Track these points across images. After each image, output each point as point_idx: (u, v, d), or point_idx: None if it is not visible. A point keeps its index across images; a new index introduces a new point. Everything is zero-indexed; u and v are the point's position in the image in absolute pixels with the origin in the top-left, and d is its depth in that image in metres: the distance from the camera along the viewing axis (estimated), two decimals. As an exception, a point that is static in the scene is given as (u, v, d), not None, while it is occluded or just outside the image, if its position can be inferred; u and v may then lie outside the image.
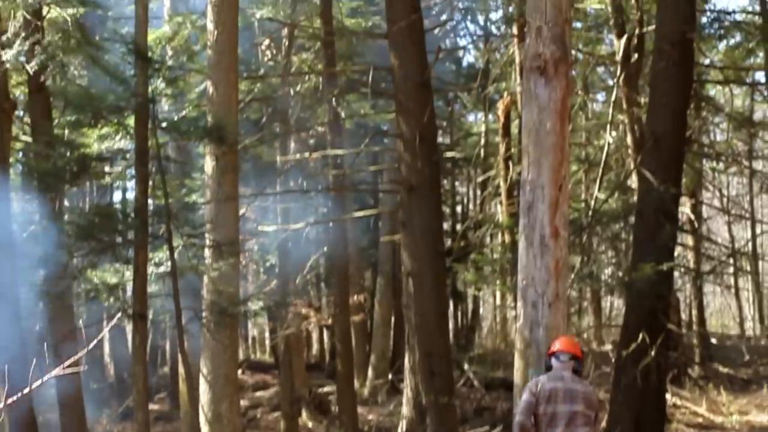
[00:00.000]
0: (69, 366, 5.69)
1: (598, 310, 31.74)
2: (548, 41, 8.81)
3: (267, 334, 38.40)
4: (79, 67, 17.47)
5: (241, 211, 18.24)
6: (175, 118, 16.47)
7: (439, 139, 25.95)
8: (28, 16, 15.89)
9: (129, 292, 15.04)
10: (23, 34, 15.58)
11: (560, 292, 9.50)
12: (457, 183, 38.55)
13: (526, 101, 9.42)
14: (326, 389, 27.82)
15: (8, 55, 15.40)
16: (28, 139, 20.16)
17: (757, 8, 22.67)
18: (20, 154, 22.99)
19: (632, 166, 21.72)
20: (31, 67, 15.58)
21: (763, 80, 23.60)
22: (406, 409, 22.04)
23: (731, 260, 24.26)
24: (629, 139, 23.12)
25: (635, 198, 19.87)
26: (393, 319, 30.62)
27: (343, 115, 22.31)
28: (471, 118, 38.87)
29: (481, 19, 32.73)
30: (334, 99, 20.71)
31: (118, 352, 33.50)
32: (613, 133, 23.98)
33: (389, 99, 20.62)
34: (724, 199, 30.96)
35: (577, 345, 9.37)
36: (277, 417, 24.83)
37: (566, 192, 9.45)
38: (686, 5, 17.67)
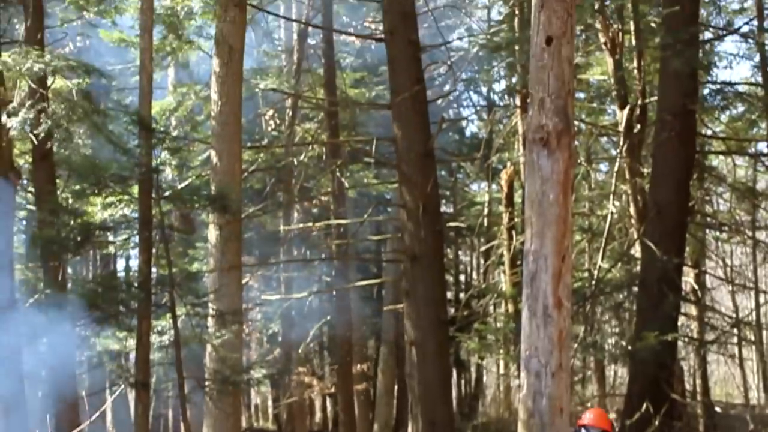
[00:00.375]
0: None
1: (602, 380, 31.55)
2: (551, 113, 8.86)
3: (270, 403, 38.23)
4: (84, 136, 17.56)
5: (245, 280, 18.25)
6: (179, 187, 16.51)
7: (443, 209, 26.01)
8: (34, 86, 16.01)
9: (131, 361, 15.00)
10: (28, 103, 15.69)
11: (563, 362, 9.47)
12: (460, 252, 38.54)
13: (529, 172, 9.46)
14: (329, 459, 27.66)
15: (13, 123, 15.50)
16: (33, 207, 20.23)
17: (759, 79, 22.80)
18: (24, 222, 23.05)
19: (635, 236, 21.73)
20: (36, 135, 15.67)
21: (765, 151, 23.68)
22: (409, 479, 21.90)
23: (735, 330, 24.18)
24: (632, 209, 23.14)
25: (638, 268, 19.88)
26: (396, 388, 30.47)
27: (346, 184, 22.39)
28: (474, 187, 38.92)
29: (484, 89, 32.93)
30: (337, 169, 20.79)
31: (121, 420, 33.33)
32: (616, 203, 24.02)
33: (392, 169, 20.69)
34: (728, 269, 30.88)
35: (608, 420, 9.30)
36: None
37: (569, 262, 9.46)
38: (688, 78, 17.81)
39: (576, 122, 18.28)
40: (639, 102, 22.45)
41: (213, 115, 16.05)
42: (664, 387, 16.94)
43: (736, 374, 37.38)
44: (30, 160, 18.85)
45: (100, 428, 33.12)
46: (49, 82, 16.53)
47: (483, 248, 33.98)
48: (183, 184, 17.06)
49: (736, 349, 30.72)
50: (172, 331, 14.09)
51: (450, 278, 34.28)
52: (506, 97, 31.05)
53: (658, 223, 17.59)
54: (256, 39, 25.61)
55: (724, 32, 23.16)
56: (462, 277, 38.52)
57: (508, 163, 28.56)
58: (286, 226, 22.07)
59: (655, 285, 17.04)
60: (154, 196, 14.06)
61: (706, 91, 22.21)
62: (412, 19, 18.54)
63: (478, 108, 34.83)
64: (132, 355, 14.67)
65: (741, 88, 23.30)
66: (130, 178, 14.26)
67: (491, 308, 31.58)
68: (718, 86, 22.35)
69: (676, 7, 18.42)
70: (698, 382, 28.60)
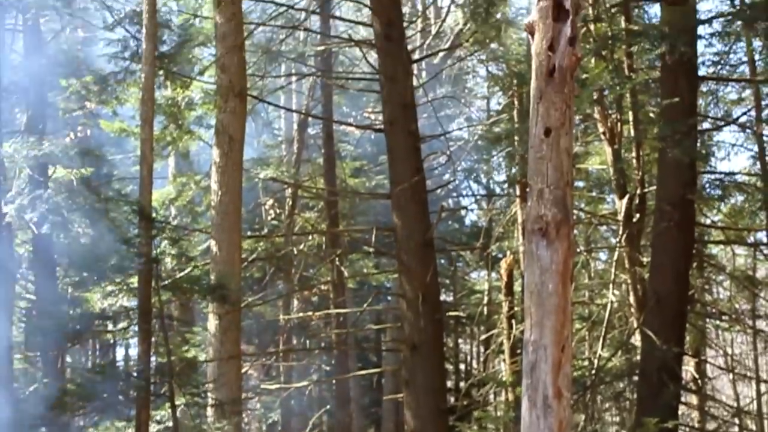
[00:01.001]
0: None
1: (603, 470, 31.31)
2: (550, 204, 8.90)
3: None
4: (84, 225, 17.64)
5: (244, 369, 18.19)
6: (179, 276, 16.53)
7: (442, 297, 26.00)
8: (34, 174, 16.12)
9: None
10: (27, 190, 15.81)
11: (564, 453, 9.41)
12: (460, 340, 38.43)
13: (528, 262, 9.48)
14: None
15: (11, 209, 15.59)
16: (32, 296, 20.22)
17: (758, 170, 22.93)
18: (24, 312, 23.02)
19: (635, 325, 21.68)
20: (34, 221, 15.74)
21: (765, 240, 23.72)
22: None
23: (736, 419, 24.04)
24: (632, 298, 23.12)
25: (638, 357, 19.81)
26: (397, 477, 30.21)
27: (346, 273, 22.42)
28: (474, 276, 38.92)
29: (483, 179, 33.10)
30: (337, 258, 20.83)
31: None
32: (616, 292, 24.00)
33: (392, 258, 20.73)
34: (728, 358, 30.80)
35: None
36: None
37: (569, 352, 9.45)
38: (687, 168, 17.91)
39: (575, 211, 18.37)
40: (638, 191, 22.54)
41: (213, 205, 16.13)
42: (666, 477, 16.80)
43: (739, 464, 37.06)
44: (30, 249, 18.90)
45: None
46: (50, 171, 16.64)
47: (483, 337, 33.87)
48: (182, 274, 17.07)
49: (737, 439, 30.50)
50: (171, 422, 14.02)
51: (450, 367, 34.15)
52: (505, 186, 31.19)
53: (657, 312, 17.58)
54: (256, 129, 25.83)
55: (723, 123, 23.33)
56: (462, 366, 38.37)
57: (508, 252, 28.56)
58: (285, 315, 22.06)
59: (655, 374, 16.98)
60: (153, 285, 14.08)
61: (704, 181, 22.32)
62: (412, 110, 18.72)
63: (478, 197, 34.98)
64: (130, 446, 14.56)
65: (740, 178, 23.42)
66: (129, 268, 14.30)
67: (491, 397, 31.41)
68: (717, 176, 22.46)
69: (675, 99, 18.59)
70: (700, 472, 28.35)
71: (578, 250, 25.65)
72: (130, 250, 14.17)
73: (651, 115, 22.75)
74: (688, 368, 24.72)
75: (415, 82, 21.98)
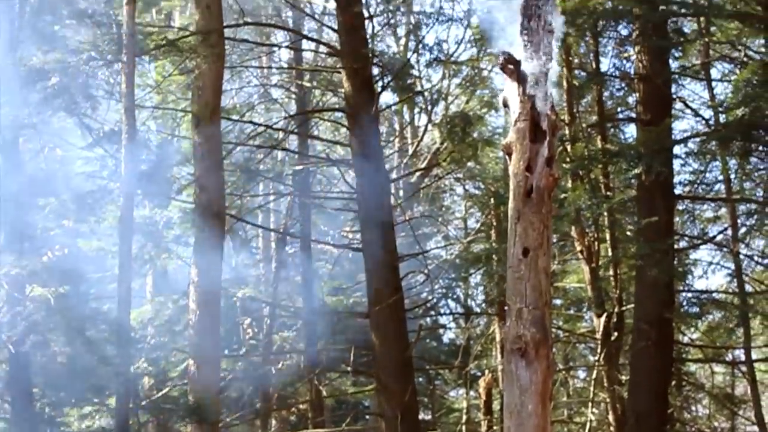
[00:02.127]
0: None
1: None
2: (528, 323, 8.90)
3: None
4: (61, 344, 17.49)
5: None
6: (157, 396, 16.40)
7: (421, 416, 25.78)
8: (13, 293, 16.03)
9: None
10: (5, 308, 15.70)
11: None
12: (439, 460, 38.00)
13: (507, 382, 9.44)
14: None
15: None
16: (7, 416, 19.95)
17: (735, 288, 23.02)
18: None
19: (615, 445, 21.55)
20: (14, 339, 15.61)
21: (743, 358, 23.70)
22: None
23: None
24: (611, 417, 22.99)
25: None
26: None
27: (324, 392, 22.24)
28: (453, 394, 38.67)
29: (461, 297, 33.07)
30: (315, 377, 20.70)
31: None
32: (595, 411, 23.89)
33: (371, 377, 20.61)
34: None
35: None
36: None
37: (549, 473, 9.36)
38: (664, 287, 18.00)
39: (553, 329, 18.37)
40: (616, 310, 22.57)
41: (191, 324, 16.06)
42: None
43: None
44: (6, 368, 18.70)
45: None
46: (27, 290, 16.56)
47: (462, 457, 33.55)
48: (161, 394, 16.95)
49: None
50: None
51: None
52: (484, 305, 31.18)
53: (636, 430, 17.49)
54: (234, 248, 25.82)
55: (700, 241, 23.50)
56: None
57: (487, 371, 28.46)
58: (263, 436, 21.82)
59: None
60: (131, 406, 13.95)
61: (682, 299, 22.38)
62: (390, 229, 18.79)
63: (456, 316, 34.90)
64: None
65: (717, 296, 23.50)
66: (107, 387, 14.18)
67: None
68: (695, 294, 22.54)
69: (652, 218, 18.75)
70: None
71: (557, 368, 25.57)
72: (108, 370, 14.06)
73: (628, 234, 22.91)
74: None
75: (392, 201, 22.13)
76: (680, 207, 22.95)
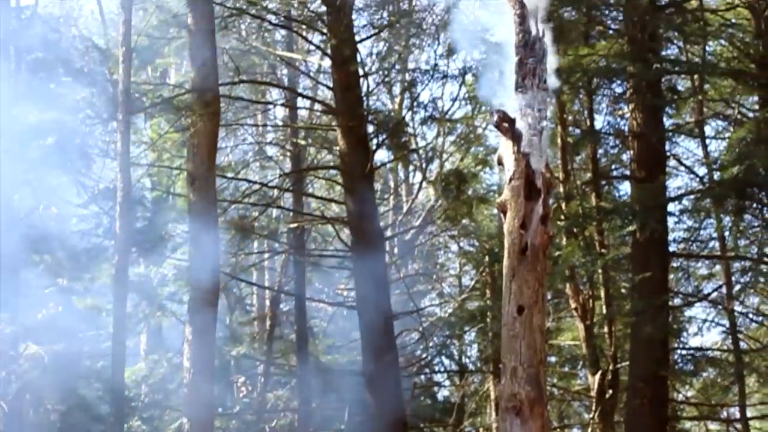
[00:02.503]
0: None
1: None
2: (523, 382, 8.88)
3: None
4: (54, 402, 17.43)
5: None
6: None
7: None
8: (8, 351, 15.99)
9: None
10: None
11: None
12: None
13: (502, 441, 9.40)
14: None
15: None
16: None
17: (730, 345, 22.98)
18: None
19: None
20: (6, 398, 15.55)
21: (737, 415, 23.61)
22: None
23: None
24: (607, 476, 22.86)
25: None
26: None
27: (318, 451, 22.12)
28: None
29: (456, 355, 32.96)
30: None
31: None
32: (591, 469, 23.73)
33: (366, 435, 20.50)
34: None
35: None
36: None
37: None
38: (659, 344, 17.97)
39: (548, 387, 18.35)
40: (611, 367, 22.50)
41: (185, 383, 15.97)
42: None
43: None
44: (0, 426, 18.61)
45: None
46: (21, 348, 16.51)
47: None
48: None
49: None
50: None
51: None
52: (479, 362, 31.07)
53: (633, 489, 17.40)
54: (228, 305, 25.77)
55: (694, 299, 23.48)
56: None
57: (481, 429, 28.34)
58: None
59: None
60: (123, 465, 13.86)
61: (677, 357, 22.33)
62: (384, 287, 18.78)
63: (451, 373, 34.76)
64: None
65: (712, 354, 23.44)
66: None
67: None
68: (689, 352, 22.50)
69: (647, 275, 18.75)
70: None
71: (552, 426, 25.45)
72: (102, 429, 13.99)
73: (623, 291, 22.90)
74: None
75: (387, 259, 22.13)
76: (675, 264, 22.96)
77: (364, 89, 21.44)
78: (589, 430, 23.19)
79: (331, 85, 21.16)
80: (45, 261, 20.27)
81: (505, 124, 8.92)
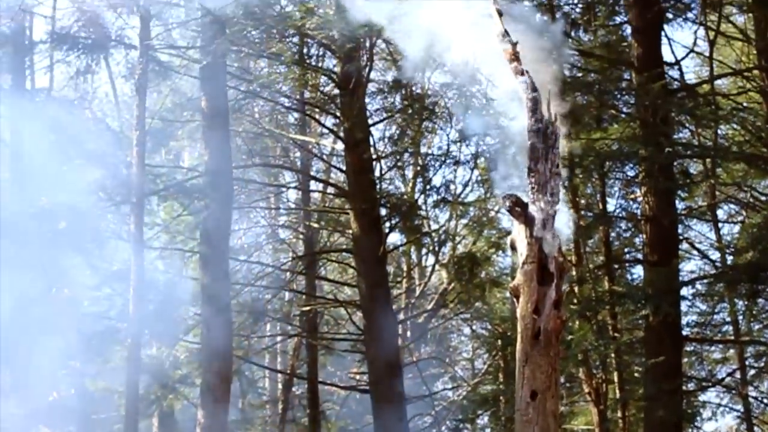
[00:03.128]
0: None
1: None
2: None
3: None
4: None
5: None
6: None
7: None
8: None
9: None
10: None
11: None
12: None
13: None
14: None
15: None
16: None
17: (744, 430, 22.78)
18: None
19: None
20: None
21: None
22: None
23: None
24: None
25: None
26: None
27: None
28: None
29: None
30: None
31: None
32: None
33: None
34: None
35: None
36: None
37: None
38: (672, 429, 17.87)
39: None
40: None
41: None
42: None
43: None
44: None
45: None
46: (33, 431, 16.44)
47: None
48: None
49: None
50: None
51: None
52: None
53: None
54: (241, 389, 25.68)
55: (708, 383, 23.30)
56: None
57: None
58: None
59: None
60: None
61: None
62: (397, 370, 18.71)
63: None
64: None
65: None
66: None
67: None
68: (703, 437, 22.31)
69: (660, 358, 18.64)
70: None
71: None
72: None
73: (636, 375, 22.73)
74: None
75: (400, 342, 22.06)
76: (688, 348, 22.83)
77: (377, 172, 21.55)
78: None
79: (343, 167, 21.26)
80: (57, 343, 20.25)
81: (518, 209, 8.93)
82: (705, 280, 21.63)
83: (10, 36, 19.94)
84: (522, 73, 9.24)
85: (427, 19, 10.68)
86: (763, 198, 22.66)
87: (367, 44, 20.41)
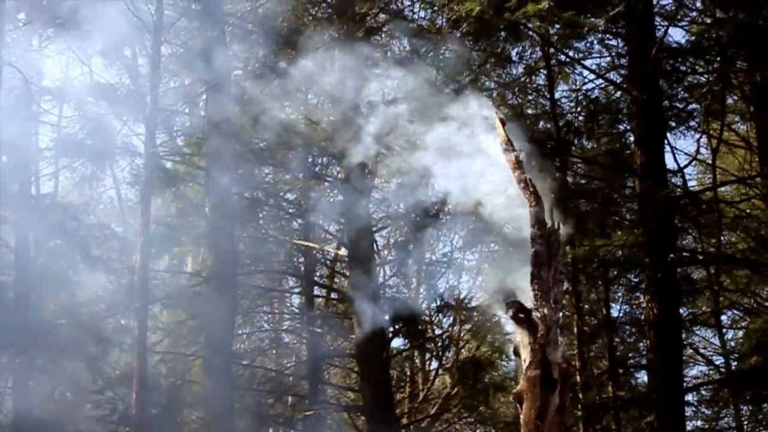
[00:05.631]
0: None
1: None
2: None
3: None
4: None
5: None
6: None
7: None
8: None
9: None
10: None
11: None
12: None
13: None
14: None
15: None
16: None
17: None
18: None
19: None
20: None
21: None
22: None
23: None
24: None
25: None
26: None
27: None
28: None
29: None
30: None
31: None
32: None
33: None
34: None
35: None
36: None
37: None
38: None
39: None
40: None
41: None
42: None
43: None
44: None
45: None
46: None
47: None
48: None
49: None
50: None
51: None
52: None
53: None
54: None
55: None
56: None
57: None
58: None
59: None
60: None
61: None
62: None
63: None
64: None
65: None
66: None
67: None
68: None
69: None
70: None
71: None
72: None
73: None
74: None
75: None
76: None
77: (381, 278, 21.60)
78: None
79: (347, 273, 21.31)
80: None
81: (521, 315, 8.97)
82: (709, 386, 21.56)
83: (17, 143, 20.14)
84: (525, 182, 9.35)
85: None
86: (767, 304, 22.65)
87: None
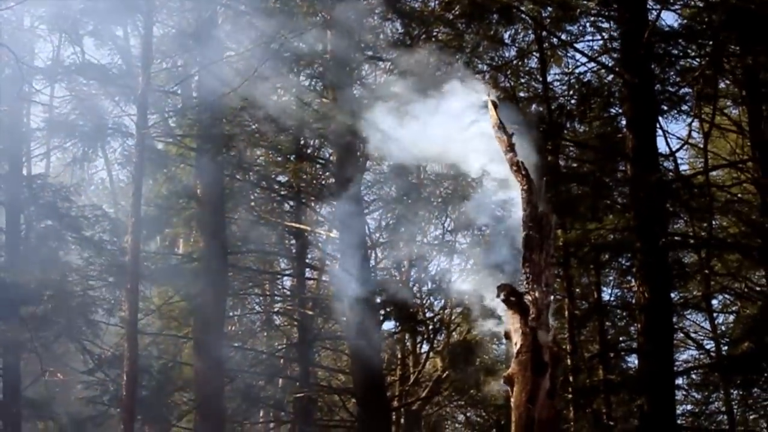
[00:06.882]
0: None
1: None
2: None
3: None
4: None
5: None
6: None
7: None
8: None
9: None
10: None
11: None
12: None
13: None
14: None
15: None
16: None
17: None
18: None
19: None
20: None
21: None
22: None
23: None
24: None
25: None
26: None
27: None
28: None
29: None
30: None
31: None
32: None
33: None
34: None
35: None
36: None
37: None
38: None
39: None
40: None
41: None
42: None
43: None
44: None
45: None
46: None
47: None
48: None
49: None
50: None
51: None
52: None
53: None
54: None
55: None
56: None
57: None
58: None
59: None
60: None
61: None
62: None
63: None
64: None
65: None
66: None
67: None
68: None
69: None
70: None
71: None
72: None
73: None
74: None
75: (394, 429, 21.92)
76: (683, 438, 22.71)
77: (372, 261, 21.57)
78: None
79: (338, 255, 21.28)
80: (49, 427, 20.14)
81: (513, 299, 8.96)
82: (700, 370, 21.59)
83: (8, 123, 20.08)
84: (517, 165, 9.33)
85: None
86: (758, 288, 22.66)
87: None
